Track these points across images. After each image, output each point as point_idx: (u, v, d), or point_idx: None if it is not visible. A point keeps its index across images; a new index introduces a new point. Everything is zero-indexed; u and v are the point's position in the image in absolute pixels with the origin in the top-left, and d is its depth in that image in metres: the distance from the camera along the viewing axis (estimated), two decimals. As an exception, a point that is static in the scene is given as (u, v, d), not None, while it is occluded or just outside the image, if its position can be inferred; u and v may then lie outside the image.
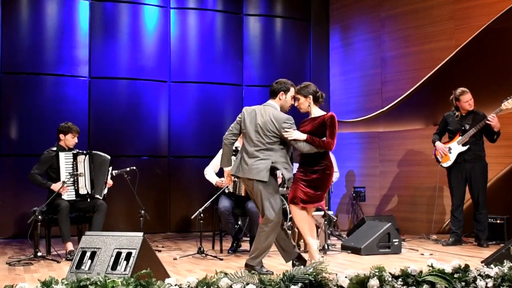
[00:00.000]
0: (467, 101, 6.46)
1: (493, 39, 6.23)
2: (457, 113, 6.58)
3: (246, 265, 4.78)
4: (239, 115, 4.96)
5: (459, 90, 6.47)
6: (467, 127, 6.45)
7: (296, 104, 5.03)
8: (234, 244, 6.20)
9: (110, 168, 6.15)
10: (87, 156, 5.95)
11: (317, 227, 6.26)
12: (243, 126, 4.91)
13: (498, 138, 6.38)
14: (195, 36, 8.71)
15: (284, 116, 4.86)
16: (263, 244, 4.77)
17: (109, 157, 6.12)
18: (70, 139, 6.05)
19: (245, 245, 6.39)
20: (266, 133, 4.80)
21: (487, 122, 6.25)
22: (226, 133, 5.00)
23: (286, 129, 4.77)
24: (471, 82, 6.52)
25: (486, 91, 6.69)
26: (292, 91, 5.00)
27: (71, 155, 5.92)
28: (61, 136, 6.05)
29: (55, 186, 5.84)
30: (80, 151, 5.99)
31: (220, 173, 6.39)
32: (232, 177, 5.55)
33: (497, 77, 6.67)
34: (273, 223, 4.76)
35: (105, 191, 6.12)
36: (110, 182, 6.21)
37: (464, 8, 7.41)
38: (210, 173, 6.40)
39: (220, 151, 6.42)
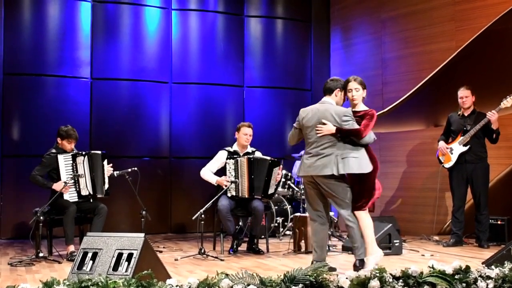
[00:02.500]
0: (461, 97, 6.49)
1: (494, 40, 6.23)
2: (459, 112, 6.60)
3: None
4: (297, 118, 4.95)
5: (462, 86, 6.50)
6: (469, 127, 6.46)
7: (354, 96, 4.90)
8: (235, 244, 6.21)
9: (105, 162, 6.09)
10: (86, 156, 5.95)
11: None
12: (303, 127, 4.87)
13: (498, 137, 6.38)
14: (196, 37, 8.73)
15: (343, 110, 4.87)
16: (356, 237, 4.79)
17: (99, 152, 6.09)
18: (66, 145, 6.04)
19: (245, 246, 6.38)
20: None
21: (487, 116, 6.25)
22: (289, 140, 5.08)
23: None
24: (472, 83, 6.52)
25: (487, 92, 6.69)
26: (350, 85, 4.92)
27: (70, 156, 5.93)
28: (58, 139, 6.06)
29: (57, 186, 5.85)
30: (79, 152, 5.99)
31: (217, 174, 6.40)
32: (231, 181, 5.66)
33: (498, 78, 6.67)
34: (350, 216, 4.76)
35: (106, 186, 6.09)
36: (109, 170, 6.12)
37: (465, 10, 7.42)
38: (207, 173, 6.35)
39: (216, 155, 6.43)
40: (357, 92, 4.92)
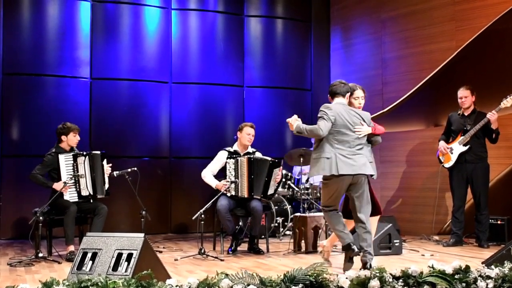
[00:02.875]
0: (461, 97, 6.50)
1: (494, 40, 6.23)
2: (459, 112, 6.60)
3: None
4: (328, 112, 4.75)
5: (462, 86, 6.51)
6: (469, 127, 6.46)
7: (360, 104, 5.10)
8: (234, 244, 6.21)
9: (105, 162, 6.08)
10: (87, 157, 5.95)
11: (318, 228, 6.27)
12: (337, 125, 4.78)
13: (497, 137, 6.38)
14: (196, 37, 8.73)
15: (367, 113, 4.99)
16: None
17: (98, 152, 6.08)
18: (72, 138, 6.07)
19: (245, 246, 6.38)
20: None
21: (488, 116, 6.26)
22: (322, 131, 4.70)
23: (357, 128, 4.82)
24: (472, 83, 6.52)
25: (487, 91, 6.69)
26: (357, 93, 5.10)
27: (71, 157, 5.93)
28: (63, 137, 6.06)
29: (57, 185, 5.85)
30: (80, 152, 5.99)
31: (218, 176, 6.39)
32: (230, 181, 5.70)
33: (498, 78, 6.67)
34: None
35: (106, 186, 6.08)
36: (108, 170, 6.11)
37: (465, 10, 7.41)
38: (208, 176, 6.35)
39: (217, 156, 6.42)
40: (362, 100, 5.14)
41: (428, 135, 7.76)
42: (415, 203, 7.93)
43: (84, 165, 5.93)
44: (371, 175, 4.89)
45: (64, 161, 5.91)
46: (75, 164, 5.90)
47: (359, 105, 5.08)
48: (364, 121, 4.90)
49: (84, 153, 5.98)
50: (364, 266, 4.72)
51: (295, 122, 4.88)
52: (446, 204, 7.44)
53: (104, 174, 6.05)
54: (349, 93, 4.98)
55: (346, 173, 4.74)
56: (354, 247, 4.78)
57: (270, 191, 6.20)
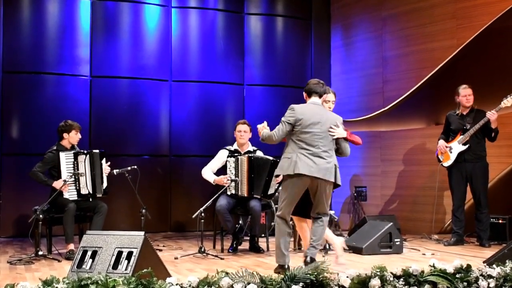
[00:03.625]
0: (465, 95, 6.47)
1: (495, 38, 6.23)
2: (457, 112, 6.58)
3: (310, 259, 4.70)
4: (289, 114, 4.73)
5: (462, 85, 6.48)
6: (468, 126, 6.45)
7: (330, 108, 5.09)
8: (234, 243, 6.20)
9: (103, 161, 6.06)
10: (88, 155, 5.93)
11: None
12: (300, 125, 4.69)
13: (496, 136, 6.36)
14: (196, 35, 8.71)
15: (338, 116, 4.91)
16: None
17: (97, 151, 6.05)
18: (74, 136, 6.06)
19: (245, 244, 6.37)
20: (328, 133, 4.75)
21: (487, 116, 6.24)
22: (275, 137, 4.73)
23: (332, 128, 4.76)
24: (473, 81, 6.51)
25: (488, 90, 6.68)
26: (329, 97, 5.13)
27: (72, 155, 5.91)
28: (65, 135, 6.05)
29: (57, 184, 5.84)
30: (81, 151, 5.98)
31: (217, 175, 6.37)
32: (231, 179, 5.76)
33: (499, 76, 6.67)
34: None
35: (105, 185, 6.05)
36: (107, 169, 6.07)
37: (466, 7, 7.40)
38: (207, 172, 6.33)
39: (217, 154, 6.40)
40: (333, 105, 5.15)
41: (429, 134, 7.74)
42: (415, 202, 7.92)
43: (84, 163, 5.91)
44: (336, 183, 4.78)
45: (65, 159, 5.90)
46: (75, 162, 5.89)
47: (328, 109, 5.07)
48: (336, 123, 4.82)
49: (85, 151, 5.98)
50: (305, 260, 4.71)
51: (262, 129, 4.88)
52: (446, 203, 7.42)
53: (102, 173, 6.04)
54: (325, 95, 4.93)
55: (303, 173, 4.62)
56: (287, 266, 4.65)
57: (271, 191, 6.17)
